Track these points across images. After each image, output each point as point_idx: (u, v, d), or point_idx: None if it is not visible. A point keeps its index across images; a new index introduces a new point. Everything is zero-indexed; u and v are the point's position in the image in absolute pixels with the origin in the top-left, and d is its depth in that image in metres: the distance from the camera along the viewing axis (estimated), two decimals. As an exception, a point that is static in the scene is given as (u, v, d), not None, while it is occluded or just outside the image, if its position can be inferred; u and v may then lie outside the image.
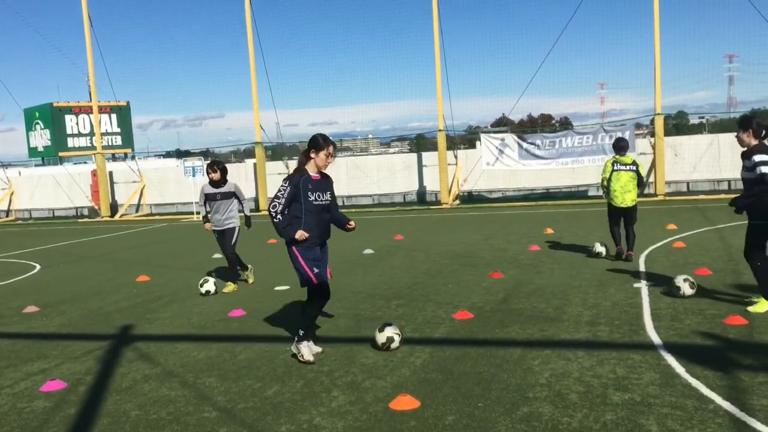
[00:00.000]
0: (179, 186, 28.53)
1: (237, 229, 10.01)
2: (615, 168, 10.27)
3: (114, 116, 34.97)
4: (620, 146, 10.43)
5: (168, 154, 47.50)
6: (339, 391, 5.36)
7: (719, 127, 40.42)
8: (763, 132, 6.78)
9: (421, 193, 26.08)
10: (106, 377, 6.10)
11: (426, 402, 4.97)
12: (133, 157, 32.87)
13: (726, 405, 4.58)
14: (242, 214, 10.25)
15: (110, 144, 33.33)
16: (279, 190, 6.14)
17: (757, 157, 6.61)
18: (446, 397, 5.07)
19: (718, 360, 5.50)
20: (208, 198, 10.02)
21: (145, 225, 23.77)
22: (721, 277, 8.66)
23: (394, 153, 41.13)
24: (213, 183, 9.93)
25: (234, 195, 10.00)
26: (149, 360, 6.56)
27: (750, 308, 6.92)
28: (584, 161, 22.22)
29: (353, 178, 26.88)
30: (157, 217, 27.20)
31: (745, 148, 6.86)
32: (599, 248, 10.76)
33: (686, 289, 7.63)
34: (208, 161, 10.63)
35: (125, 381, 5.96)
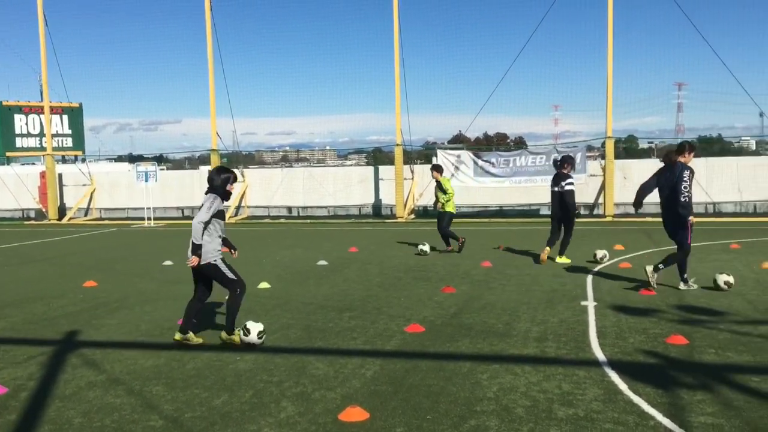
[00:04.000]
0: (130, 191, 28.00)
1: None
2: (454, 185, 14.19)
3: (66, 117, 34.20)
4: (442, 169, 14.61)
5: (120, 158, 46.58)
6: (288, 401, 5.35)
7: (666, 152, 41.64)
8: None
9: (377, 206, 26.16)
10: (49, 383, 5.96)
11: (375, 414, 5.00)
12: (83, 160, 32.14)
13: (666, 422, 4.73)
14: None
15: (60, 146, 32.53)
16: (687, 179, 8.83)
17: None
18: (395, 409, 5.11)
19: (659, 378, 5.67)
20: (220, 216, 7.16)
21: (94, 229, 23.27)
22: (665, 297, 8.92)
23: (351, 165, 41.23)
24: (227, 196, 7.29)
25: None
26: (94, 367, 6.43)
27: None
28: (537, 180, 22.62)
29: (309, 188, 26.81)
30: (106, 222, 26.65)
31: None
32: (423, 247, 13.82)
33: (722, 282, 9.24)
34: (214, 168, 7.69)
35: (69, 387, 5.83)
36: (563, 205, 12.26)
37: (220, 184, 7.09)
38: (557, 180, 12.40)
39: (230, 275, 7.06)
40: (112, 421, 5.02)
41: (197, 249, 6.85)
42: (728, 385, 5.45)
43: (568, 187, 12.16)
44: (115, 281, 11.55)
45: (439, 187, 14.04)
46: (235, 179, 7.27)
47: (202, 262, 6.92)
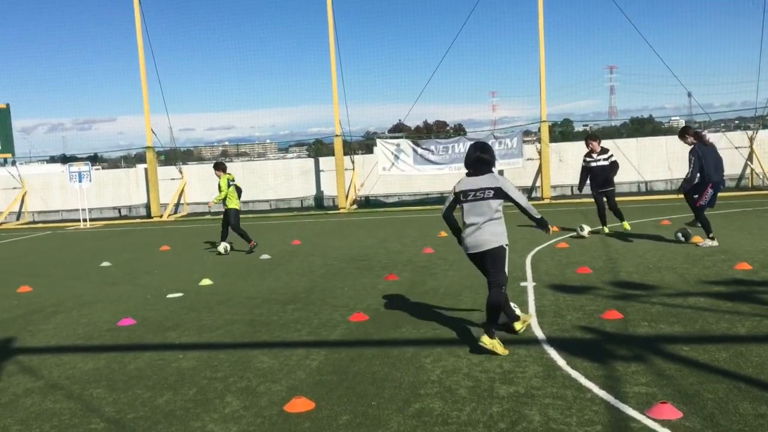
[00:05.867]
0: (64, 192, 27.20)
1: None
2: (230, 184, 13.63)
3: (-9, 119, 32.92)
4: (224, 167, 14.08)
5: (53, 159, 45.04)
6: (233, 396, 5.32)
7: (601, 134, 42.78)
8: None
9: (319, 198, 26.09)
10: (-17, 393, 5.77)
11: (321, 403, 5.02)
12: (13, 163, 30.99)
13: (602, 393, 4.90)
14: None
15: (-13, 148, 31.27)
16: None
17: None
18: (341, 397, 5.14)
19: (596, 352, 5.86)
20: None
21: (27, 233, 22.51)
22: (600, 275, 9.20)
23: (293, 158, 40.92)
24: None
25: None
26: (31, 373, 6.26)
27: None
28: (476, 166, 22.89)
29: (250, 183, 26.51)
30: (40, 225, 25.80)
31: None
32: (221, 248, 13.72)
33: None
34: (476, 145, 6.46)
35: (5, 396, 5.66)
36: None
37: (491, 159, 6.42)
38: None
39: (506, 268, 6.41)
40: (52, 427, 4.91)
41: (542, 221, 6.48)
42: (661, 355, 5.68)
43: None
44: (50, 285, 11.23)
45: (218, 187, 13.74)
46: None
47: (495, 245, 6.22)
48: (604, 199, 13.24)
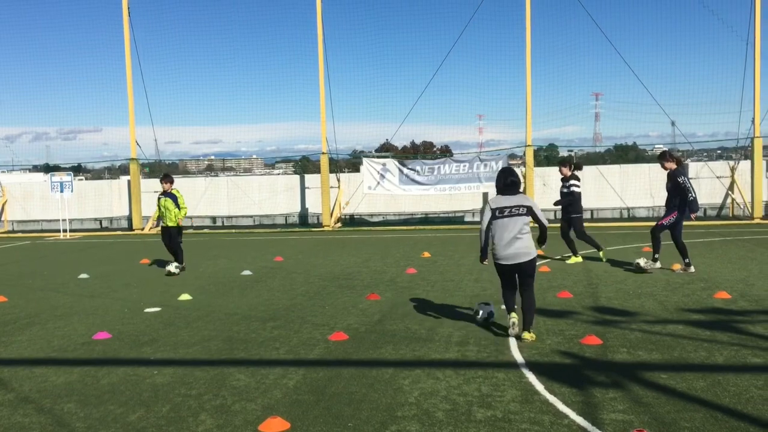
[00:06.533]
0: (45, 202, 26.91)
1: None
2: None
3: (-26, 126, 32.50)
4: (170, 179, 13.67)
5: (35, 168, 44.62)
6: (207, 414, 5.24)
7: (585, 159, 43.16)
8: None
9: (303, 215, 26.02)
10: (-49, 405, 5.64)
11: (296, 424, 4.95)
12: (-6, 171, 30.72)
13: (579, 420, 4.88)
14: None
15: (-31, 155, 30.87)
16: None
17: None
18: (317, 418, 5.08)
19: (574, 377, 5.85)
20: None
21: (6, 242, 22.22)
22: (581, 299, 9.21)
23: (278, 174, 40.82)
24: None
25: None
26: (2, 386, 6.13)
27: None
28: (461, 188, 23.02)
29: (234, 198, 26.42)
30: (19, 235, 25.50)
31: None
32: (173, 268, 12.88)
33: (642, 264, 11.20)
34: (506, 171, 7.47)
35: (-28, 409, 5.54)
36: None
37: (518, 180, 7.40)
38: None
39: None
40: (19, 442, 4.80)
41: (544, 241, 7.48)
42: (639, 382, 5.67)
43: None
44: (26, 296, 11.06)
45: (174, 201, 13.24)
46: None
47: (530, 257, 7.16)
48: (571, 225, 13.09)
